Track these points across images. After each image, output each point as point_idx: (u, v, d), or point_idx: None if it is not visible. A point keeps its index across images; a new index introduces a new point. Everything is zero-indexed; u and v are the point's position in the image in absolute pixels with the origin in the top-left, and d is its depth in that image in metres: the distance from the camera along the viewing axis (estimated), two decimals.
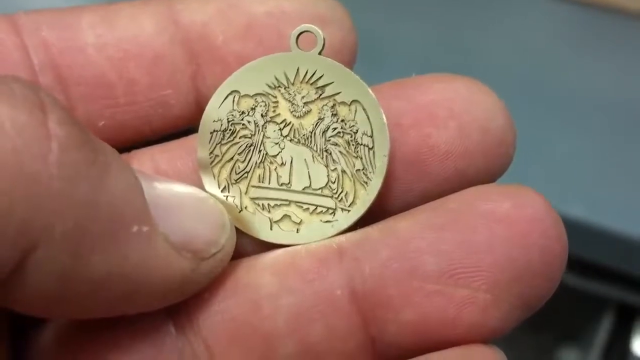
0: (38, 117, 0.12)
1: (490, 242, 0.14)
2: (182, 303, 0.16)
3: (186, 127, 0.18)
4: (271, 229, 0.17)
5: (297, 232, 0.17)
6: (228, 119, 0.17)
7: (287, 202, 0.17)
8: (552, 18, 0.48)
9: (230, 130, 0.17)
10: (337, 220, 0.17)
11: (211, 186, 0.17)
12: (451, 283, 0.14)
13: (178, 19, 0.17)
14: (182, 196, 0.15)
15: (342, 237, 0.16)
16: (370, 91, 0.16)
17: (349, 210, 0.17)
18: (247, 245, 0.17)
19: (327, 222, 0.17)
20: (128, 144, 0.17)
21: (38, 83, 0.16)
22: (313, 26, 0.16)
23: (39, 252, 0.12)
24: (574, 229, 0.37)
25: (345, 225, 0.17)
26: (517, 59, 0.45)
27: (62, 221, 0.12)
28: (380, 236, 0.15)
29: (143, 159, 0.17)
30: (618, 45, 0.47)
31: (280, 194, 0.17)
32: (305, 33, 0.17)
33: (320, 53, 0.17)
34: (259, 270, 0.16)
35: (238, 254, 0.17)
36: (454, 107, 0.16)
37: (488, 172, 0.16)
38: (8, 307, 0.14)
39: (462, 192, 0.15)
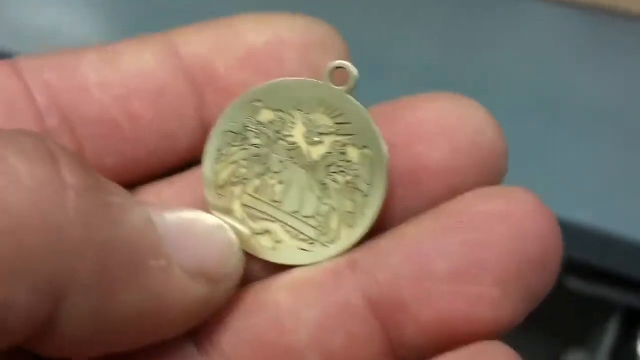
0: (52, 168, 0.13)
1: (493, 239, 0.15)
2: (203, 325, 0.16)
3: (193, 158, 0.18)
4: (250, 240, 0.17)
5: (273, 250, 0.17)
6: (244, 123, 0.17)
7: (273, 220, 0.17)
8: (559, 25, 0.48)
9: (243, 135, 0.17)
10: (313, 251, 0.17)
11: (209, 185, 0.17)
12: (461, 282, 0.15)
13: (179, 51, 0.17)
14: (190, 223, 0.16)
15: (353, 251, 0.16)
16: (382, 144, 0.16)
17: (327, 247, 0.17)
18: (258, 272, 0.17)
19: (303, 250, 0.17)
20: (138, 181, 0.18)
21: (45, 125, 0.16)
22: (349, 64, 0.16)
23: (68, 299, 0.13)
24: (582, 235, 0.38)
25: (320, 259, 0.17)
26: (523, 66, 0.45)
27: (84, 264, 0.13)
28: (388, 244, 0.16)
29: (150, 197, 0.17)
30: (628, 51, 0.47)
31: (269, 210, 0.17)
32: (340, 69, 0.16)
33: (350, 92, 0.17)
34: (275, 290, 0.16)
35: (248, 279, 0.17)
36: (443, 124, 0.16)
37: (481, 185, 0.16)
38: (43, 355, 0.14)
39: (460, 198, 0.16)
